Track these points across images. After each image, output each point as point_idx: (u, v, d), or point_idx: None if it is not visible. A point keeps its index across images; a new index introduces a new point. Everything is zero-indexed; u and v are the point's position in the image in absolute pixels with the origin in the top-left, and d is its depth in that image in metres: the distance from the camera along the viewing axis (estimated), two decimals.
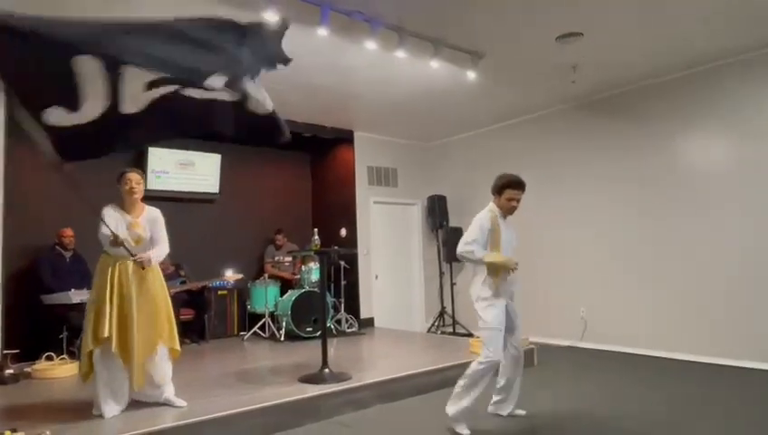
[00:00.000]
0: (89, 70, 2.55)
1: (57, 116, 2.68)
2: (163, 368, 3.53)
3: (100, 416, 3.33)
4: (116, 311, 3.34)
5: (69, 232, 5.66)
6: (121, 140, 2.96)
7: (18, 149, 5.18)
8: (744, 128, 5.08)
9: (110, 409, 3.35)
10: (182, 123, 2.98)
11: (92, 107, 2.65)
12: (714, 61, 5.23)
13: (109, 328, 3.28)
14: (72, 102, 2.63)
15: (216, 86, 2.77)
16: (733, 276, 5.07)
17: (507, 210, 3.47)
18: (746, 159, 5.06)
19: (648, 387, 4.41)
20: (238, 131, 3.08)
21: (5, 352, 4.77)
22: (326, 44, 4.47)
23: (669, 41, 4.76)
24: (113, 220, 3.45)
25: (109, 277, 3.38)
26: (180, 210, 6.77)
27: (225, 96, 2.84)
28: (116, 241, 3.33)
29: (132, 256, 3.40)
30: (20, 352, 5.04)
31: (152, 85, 2.67)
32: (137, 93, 2.67)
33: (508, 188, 3.41)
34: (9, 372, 4.55)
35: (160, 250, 3.60)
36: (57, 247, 5.66)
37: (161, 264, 6.41)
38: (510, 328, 3.43)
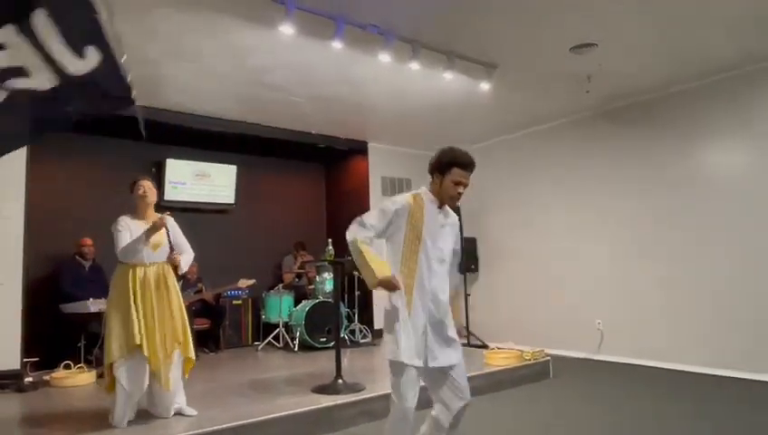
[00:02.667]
0: None
1: None
2: (175, 375, 3.54)
3: (116, 426, 3.34)
4: (142, 316, 3.40)
5: (88, 242, 5.76)
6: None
7: (41, 161, 5.31)
8: (763, 137, 5.01)
9: (123, 420, 3.37)
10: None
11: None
12: (730, 70, 5.17)
13: (139, 335, 3.33)
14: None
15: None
16: (755, 287, 4.98)
17: (450, 198, 2.45)
18: (766, 168, 4.99)
19: (666, 401, 4.33)
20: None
21: (25, 359, 4.85)
22: (340, 57, 4.51)
23: (684, 50, 4.73)
24: (128, 228, 3.50)
25: (131, 285, 3.43)
26: (197, 221, 6.85)
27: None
28: (153, 229, 3.38)
29: (171, 250, 3.48)
30: (39, 361, 5.13)
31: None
32: None
33: (456, 166, 2.40)
34: (28, 380, 4.63)
35: (189, 256, 3.68)
36: (77, 257, 5.76)
37: (190, 271, 6.54)
38: (433, 377, 2.46)
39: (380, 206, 2.48)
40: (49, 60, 2.14)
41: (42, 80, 2.17)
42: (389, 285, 2.35)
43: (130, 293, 3.40)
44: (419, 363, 2.39)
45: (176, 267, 3.54)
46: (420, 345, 2.39)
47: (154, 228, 3.39)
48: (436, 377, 2.46)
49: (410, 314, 2.40)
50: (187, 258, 3.64)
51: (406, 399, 2.45)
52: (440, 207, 2.50)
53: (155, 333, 3.40)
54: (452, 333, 2.49)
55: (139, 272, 3.47)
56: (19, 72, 2.13)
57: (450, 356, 2.44)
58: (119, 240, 3.44)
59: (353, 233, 2.43)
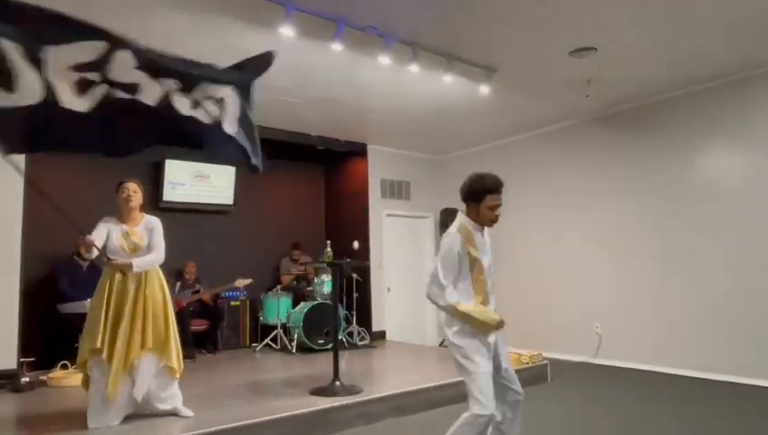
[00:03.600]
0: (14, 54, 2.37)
1: None
2: (160, 380, 3.49)
3: (90, 426, 3.30)
4: (110, 320, 3.36)
5: None
6: (73, 137, 2.77)
7: (40, 161, 5.30)
8: (761, 142, 5.02)
9: (97, 420, 3.30)
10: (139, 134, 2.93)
11: (29, 91, 2.45)
12: (729, 75, 5.19)
13: (101, 338, 3.29)
14: (7, 82, 2.40)
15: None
16: (753, 292, 4.98)
17: (490, 221, 2.61)
18: (764, 174, 5.00)
19: (664, 406, 4.33)
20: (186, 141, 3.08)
21: (22, 359, 4.84)
22: (340, 59, 4.52)
23: (684, 55, 4.74)
24: (105, 229, 3.48)
25: (107, 287, 3.42)
26: (196, 222, 6.87)
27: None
28: (85, 243, 3.40)
29: (108, 259, 3.42)
30: (36, 361, 5.11)
31: (83, 80, 2.55)
32: (70, 85, 2.53)
33: (489, 193, 2.55)
34: (25, 380, 4.61)
35: (150, 257, 3.53)
36: (75, 257, 5.75)
37: (188, 271, 6.51)
38: (498, 365, 2.60)
39: (442, 257, 2.56)
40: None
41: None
42: (502, 325, 2.54)
43: (104, 298, 3.39)
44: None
45: (124, 273, 3.46)
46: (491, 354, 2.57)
47: (88, 247, 3.45)
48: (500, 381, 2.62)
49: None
50: (146, 259, 3.52)
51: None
52: (481, 230, 2.67)
53: (117, 339, 3.34)
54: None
55: (119, 274, 3.44)
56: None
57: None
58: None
59: (443, 299, 2.49)
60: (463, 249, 2.53)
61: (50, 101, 2.50)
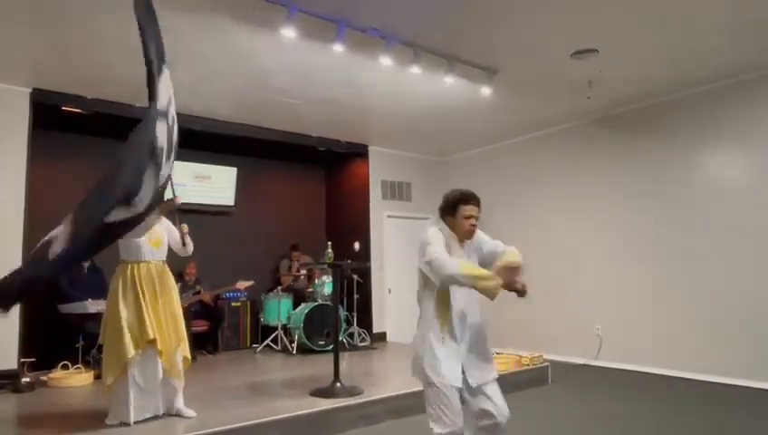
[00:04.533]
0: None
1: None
2: (180, 372, 3.60)
3: (123, 424, 3.33)
4: (152, 311, 3.45)
5: None
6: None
7: (41, 162, 5.32)
8: (763, 144, 5.02)
9: (139, 413, 3.38)
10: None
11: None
12: (730, 77, 5.18)
13: (152, 329, 3.38)
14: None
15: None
16: (754, 294, 4.97)
17: (466, 233, 2.60)
18: (765, 175, 4.99)
19: (665, 408, 4.32)
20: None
21: (22, 360, 4.84)
22: (341, 60, 4.52)
23: (685, 58, 4.74)
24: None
25: (132, 280, 3.47)
26: (196, 222, 6.82)
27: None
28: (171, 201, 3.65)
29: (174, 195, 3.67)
30: (36, 361, 5.11)
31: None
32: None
33: (461, 203, 2.57)
34: (25, 380, 4.61)
35: (191, 247, 3.85)
36: None
37: (188, 273, 6.52)
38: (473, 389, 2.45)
39: (429, 237, 2.52)
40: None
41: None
42: (511, 275, 2.43)
43: (139, 288, 3.45)
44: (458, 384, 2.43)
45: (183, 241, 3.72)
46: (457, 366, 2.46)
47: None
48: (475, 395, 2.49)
49: (444, 340, 2.49)
50: (190, 244, 3.82)
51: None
52: (461, 242, 2.63)
53: (164, 329, 3.46)
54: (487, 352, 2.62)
55: (143, 269, 3.53)
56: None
57: (486, 375, 2.54)
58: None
59: (449, 266, 2.37)
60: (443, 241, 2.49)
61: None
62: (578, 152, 6.61)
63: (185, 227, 3.76)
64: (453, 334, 2.50)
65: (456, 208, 2.59)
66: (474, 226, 2.60)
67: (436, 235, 2.53)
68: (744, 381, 4.92)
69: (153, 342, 3.38)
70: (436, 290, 2.51)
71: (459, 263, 2.38)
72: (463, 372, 2.46)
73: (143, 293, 3.46)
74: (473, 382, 2.46)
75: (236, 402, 3.97)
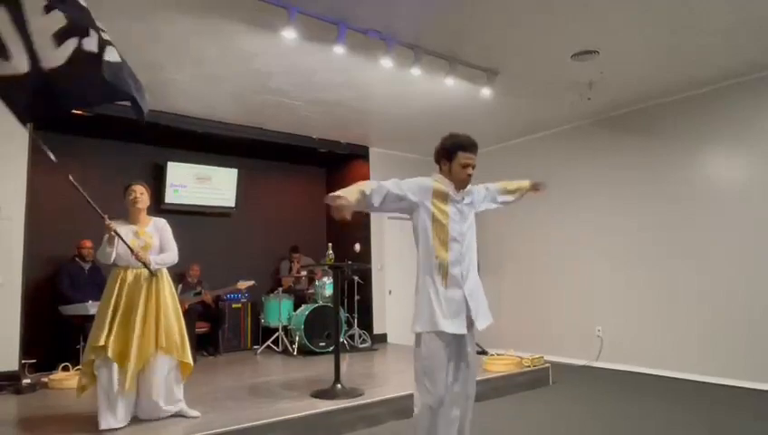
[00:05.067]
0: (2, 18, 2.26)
1: None
2: (170, 381, 3.52)
3: (101, 428, 3.30)
4: (118, 319, 3.38)
5: (88, 244, 5.76)
6: (62, 98, 2.59)
7: (42, 163, 5.32)
8: (763, 146, 5.02)
9: (107, 422, 3.31)
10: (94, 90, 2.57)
11: (20, 59, 2.37)
12: (731, 78, 5.19)
13: (106, 336, 3.31)
14: (2, 51, 2.34)
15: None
16: (754, 295, 4.97)
17: (462, 181, 2.54)
18: (765, 177, 4.99)
19: (666, 410, 4.31)
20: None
21: (23, 361, 4.84)
22: (342, 62, 4.53)
23: (685, 59, 4.75)
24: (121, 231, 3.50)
25: (117, 286, 3.45)
26: (197, 224, 6.88)
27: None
28: (111, 238, 3.36)
29: (133, 253, 3.41)
30: (37, 362, 5.12)
31: (59, 37, 2.37)
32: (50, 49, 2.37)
33: (460, 150, 2.52)
34: (26, 381, 4.61)
35: (166, 256, 3.63)
36: (76, 259, 5.76)
37: (191, 274, 6.53)
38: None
39: (415, 180, 2.49)
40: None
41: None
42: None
43: (112, 297, 3.42)
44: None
45: (147, 266, 3.50)
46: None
47: (111, 237, 3.39)
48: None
49: (447, 288, 2.47)
50: (163, 257, 3.61)
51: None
52: (458, 190, 2.55)
53: (130, 336, 3.37)
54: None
55: (129, 274, 3.49)
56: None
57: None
58: (102, 245, 3.46)
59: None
60: (431, 203, 2.47)
61: (36, 64, 2.41)
62: (579, 153, 6.61)
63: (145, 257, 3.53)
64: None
65: (454, 154, 2.52)
66: (469, 175, 2.53)
67: (413, 180, 2.49)
68: (746, 382, 4.92)
69: (103, 349, 3.30)
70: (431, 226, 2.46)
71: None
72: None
73: (116, 299, 3.41)
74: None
75: (237, 404, 3.97)
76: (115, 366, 3.35)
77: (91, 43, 2.42)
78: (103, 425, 3.29)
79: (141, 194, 3.67)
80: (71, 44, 2.40)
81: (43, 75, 2.43)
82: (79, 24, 2.40)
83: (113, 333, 3.35)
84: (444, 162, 2.55)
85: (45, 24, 2.34)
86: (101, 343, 3.31)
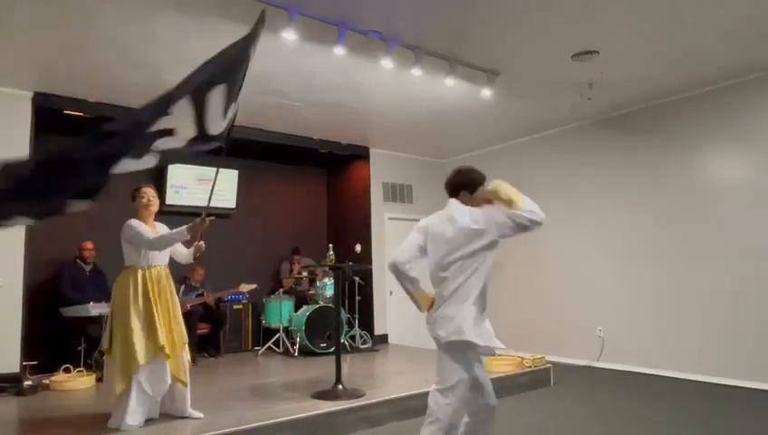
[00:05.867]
0: None
1: None
2: (187, 374, 3.62)
3: (119, 429, 3.32)
4: (162, 317, 3.47)
5: (89, 245, 5.76)
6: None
7: None
8: (763, 145, 5.01)
9: (135, 418, 3.36)
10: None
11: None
12: (731, 78, 5.19)
13: (162, 336, 3.41)
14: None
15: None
16: (756, 296, 4.97)
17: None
18: (766, 177, 4.98)
19: (667, 410, 4.31)
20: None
21: (24, 363, 4.85)
22: (343, 63, 4.53)
23: (685, 59, 4.74)
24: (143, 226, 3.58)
25: (148, 286, 3.48)
26: None
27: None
28: (196, 226, 3.46)
29: (206, 217, 3.51)
30: (38, 364, 5.12)
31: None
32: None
33: (481, 185, 2.68)
34: (27, 383, 4.62)
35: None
36: (77, 260, 5.76)
37: (196, 273, 6.53)
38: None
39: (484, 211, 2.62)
40: (199, 122, 2.70)
41: (181, 138, 2.67)
42: None
43: (151, 295, 3.46)
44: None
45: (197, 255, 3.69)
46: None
47: (196, 226, 3.45)
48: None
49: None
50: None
51: None
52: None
53: (172, 335, 3.48)
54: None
55: (154, 273, 3.54)
56: (168, 132, 2.61)
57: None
58: (143, 234, 3.46)
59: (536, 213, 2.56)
60: None
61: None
62: (579, 154, 6.61)
63: (203, 245, 3.69)
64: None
65: (477, 189, 2.65)
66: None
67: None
68: (747, 382, 4.91)
69: (163, 349, 3.39)
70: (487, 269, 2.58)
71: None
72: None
73: (155, 298, 3.47)
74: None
75: (238, 405, 3.97)
76: (167, 363, 3.42)
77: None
78: (130, 421, 3.33)
79: (154, 197, 3.72)
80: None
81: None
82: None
83: (165, 332, 3.43)
84: (464, 192, 2.66)
85: None
86: (162, 343, 3.38)
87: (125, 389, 3.34)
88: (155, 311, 3.44)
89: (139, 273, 3.50)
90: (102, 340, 3.52)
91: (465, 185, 2.65)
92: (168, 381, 3.46)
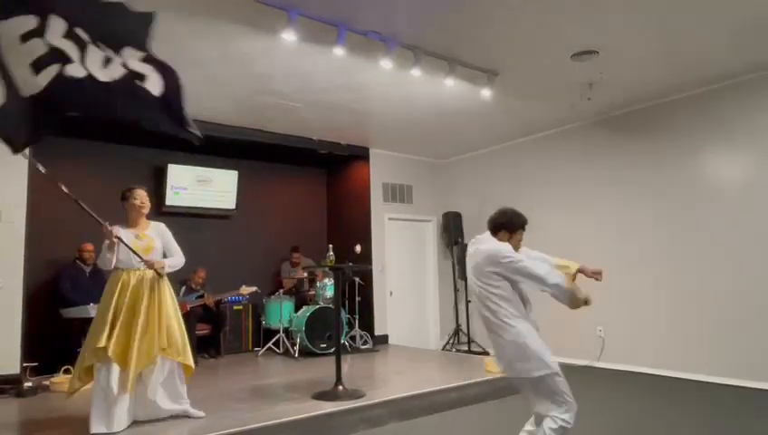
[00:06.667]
0: None
1: None
2: (173, 381, 3.55)
3: (92, 432, 3.28)
4: (120, 321, 3.38)
5: (89, 247, 5.76)
6: (43, 122, 2.65)
7: (43, 166, 5.31)
8: (764, 145, 5.01)
9: (98, 426, 3.28)
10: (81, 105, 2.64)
11: None
12: (731, 78, 5.18)
13: (107, 338, 3.31)
14: None
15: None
16: (756, 295, 4.96)
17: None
18: (766, 175, 4.98)
19: (668, 410, 4.31)
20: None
21: (25, 364, 4.84)
22: (342, 63, 4.53)
23: (686, 59, 4.74)
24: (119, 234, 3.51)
25: (118, 288, 3.45)
26: (197, 226, 6.87)
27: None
28: (111, 244, 3.38)
29: (143, 260, 3.45)
30: (38, 365, 5.11)
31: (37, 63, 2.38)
32: (25, 75, 2.40)
33: (522, 229, 2.98)
34: (28, 384, 4.61)
35: (174, 260, 3.70)
36: (77, 262, 5.76)
37: (198, 275, 6.54)
38: None
39: (507, 250, 2.81)
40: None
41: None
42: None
43: (113, 296, 3.42)
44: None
45: (158, 273, 3.54)
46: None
47: (111, 244, 3.40)
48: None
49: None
50: (173, 261, 3.68)
51: None
52: None
53: (132, 338, 3.36)
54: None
55: (132, 276, 3.50)
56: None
57: None
58: (102, 251, 3.47)
59: (557, 278, 2.86)
60: None
61: (14, 93, 2.41)
62: (578, 154, 6.60)
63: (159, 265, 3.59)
64: (535, 325, 2.88)
65: (516, 231, 2.94)
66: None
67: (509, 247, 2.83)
68: (747, 382, 4.91)
69: (104, 350, 3.29)
70: (518, 287, 2.79)
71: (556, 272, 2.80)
72: None
73: (117, 301, 3.42)
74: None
75: (238, 406, 3.97)
76: (115, 368, 3.33)
77: (75, 69, 2.45)
78: (94, 429, 3.26)
79: (146, 199, 3.70)
80: (52, 71, 2.42)
81: (22, 102, 2.44)
82: (61, 52, 2.43)
83: (114, 335, 3.34)
84: (503, 233, 2.91)
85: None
86: (102, 344, 3.30)
87: (76, 388, 3.38)
88: (110, 310, 3.38)
89: (116, 274, 3.51)
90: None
91: (504, 226, 2.91)
92: (114, 386, 3.29)
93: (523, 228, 2.96)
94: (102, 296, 3.51)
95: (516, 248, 2.89)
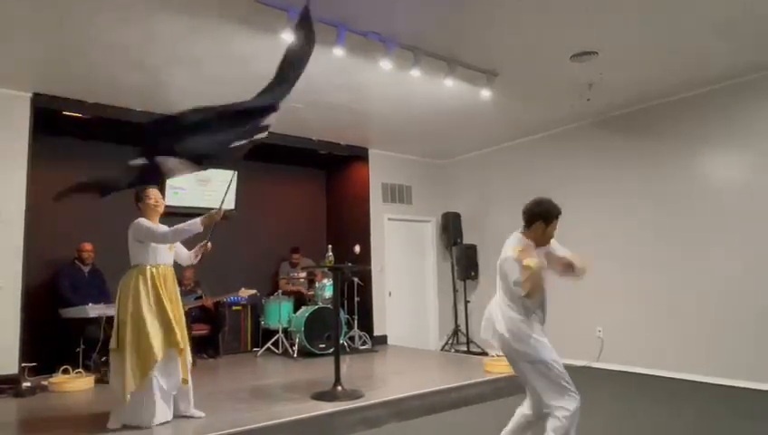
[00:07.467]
0: None
1: None
2: (189, 373, 3.63)
3: (125, 427, 3.34)
4: (171, 313, 3.48)
5: (88, 247, 5.75)
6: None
7: (41, 166, 5.32)
8: (762, 146, 5.02)
9: (165, 414, 3.42)
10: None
11: None
12: (730, 78, 5.19)
13: (179, 332, 3.45)
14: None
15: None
16: (755, 295, 4.97)
17: (548, 239, 3.10)
18: (765, 177, 4.99)
19: (667, 411, 4.31)
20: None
21: (23, 364, 4.83)
22: (342, 64, 4.53)
23: (684, 59, 4.75)
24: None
25: (158, 283, 3.50)
26: None
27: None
28: (210, 218, 3.57)
29: (218, 212, 3.63)
30: (37, 365, 5.10)
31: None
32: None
33: (556, 218, 3.05)
34: (26, 384, 4.60)
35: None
36: (76, 262, 5.75)
37: (186, 278, 6.52)
38: None
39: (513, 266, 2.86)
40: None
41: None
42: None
43: (161, 291, 3.48)
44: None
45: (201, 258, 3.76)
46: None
47: (212, 217, 3.53)
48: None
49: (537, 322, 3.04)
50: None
51: None
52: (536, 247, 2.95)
53: (183, 332, 3.51)
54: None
55: (162, 271, 3.56)
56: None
57: None
58: (155, 228, 3.50)
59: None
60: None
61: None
62: (578, 154, 6.61)
63: (209, 246, 3.80)
64: (542, 318, 2.95)
65: (552, 221, 3.01)
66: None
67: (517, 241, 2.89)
68: (746, 382, 4.91)
69: (178, 344, 3.42)
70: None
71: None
72: None
73: (166, 295, 3.49)
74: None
75: (237, 406, 3.96)
76: (179, 359, 3.46)
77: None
78: (161, 418, 3.38)
79: (161, 199, 3.78)
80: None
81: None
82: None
83: (179, 328, 3.47)
84: (539, 223, 2.99)
85: None
86: (179, 338, 3.42)
87: (139, 386, 3.33)
88: (167, 307, 3.46)
89: (148, 270, 3.51)
90: (111, 339, 3.48)
91: (541, 215, 2.96)
92: (180, 375, 3.48)
93: (557, 218, 3.02)
94: (139, 293, 3.44)
95: (549, 238, 2.98)
